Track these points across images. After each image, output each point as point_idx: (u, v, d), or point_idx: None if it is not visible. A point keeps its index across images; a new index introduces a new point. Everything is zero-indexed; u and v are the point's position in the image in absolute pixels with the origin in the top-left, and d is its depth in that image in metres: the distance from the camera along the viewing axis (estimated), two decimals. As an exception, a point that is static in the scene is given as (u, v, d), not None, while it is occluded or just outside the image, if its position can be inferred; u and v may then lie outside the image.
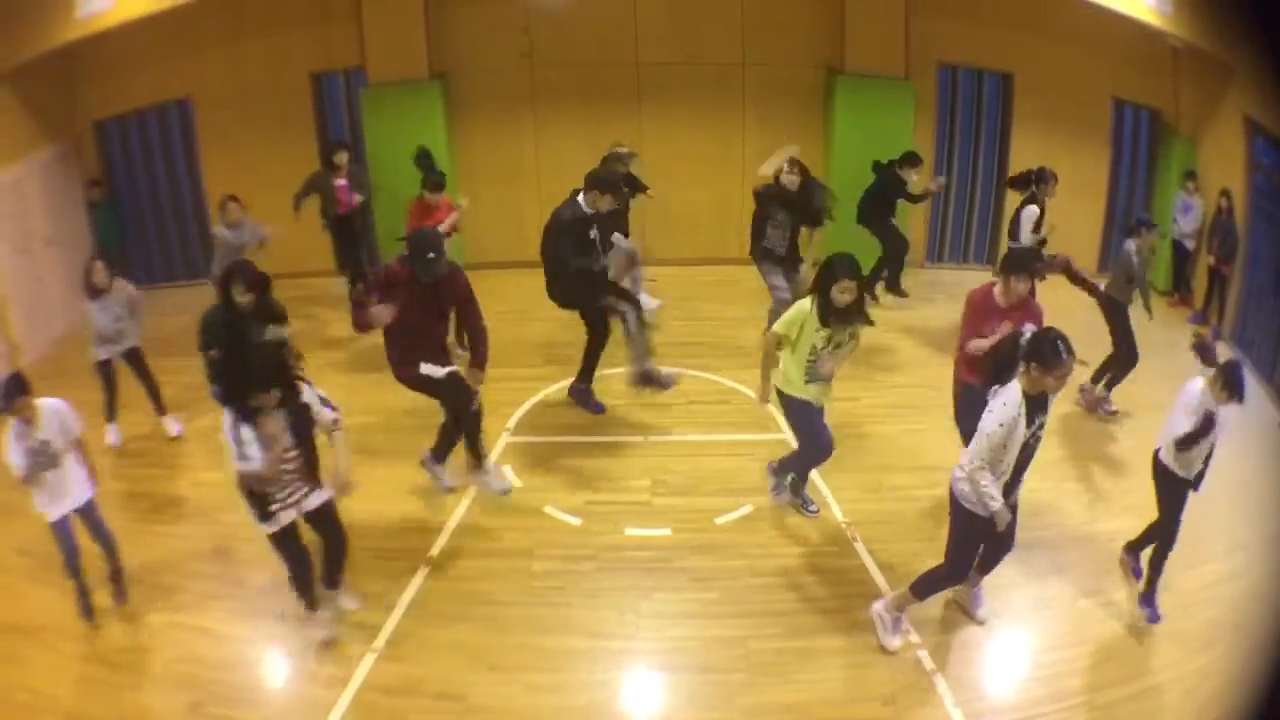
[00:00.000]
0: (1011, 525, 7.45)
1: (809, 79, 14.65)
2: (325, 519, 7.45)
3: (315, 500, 7.29)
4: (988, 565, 7.73)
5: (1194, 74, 13.62)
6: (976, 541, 7.34)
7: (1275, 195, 12.60)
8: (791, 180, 11.15)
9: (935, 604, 7.97)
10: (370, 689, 7.19)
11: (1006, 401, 6.78)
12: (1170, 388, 11.01)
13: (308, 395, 7.03)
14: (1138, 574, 8.17)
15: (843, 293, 7.86)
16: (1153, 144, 14.91)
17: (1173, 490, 7.76)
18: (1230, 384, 7.43)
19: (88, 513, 7.83)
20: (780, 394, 8.53)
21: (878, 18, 13.93)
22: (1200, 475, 7.66)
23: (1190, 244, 13.99)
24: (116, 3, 12.32)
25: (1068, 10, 12.94)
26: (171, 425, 10.89)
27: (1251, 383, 11.52)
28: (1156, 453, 7.84)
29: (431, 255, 8.23)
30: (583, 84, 14.55)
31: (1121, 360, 10.99)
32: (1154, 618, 7.89)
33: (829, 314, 7.96)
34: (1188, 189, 13.79)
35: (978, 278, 14.14)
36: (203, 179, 14.84)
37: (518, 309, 12.80)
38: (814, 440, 8.73)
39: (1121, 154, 15.07)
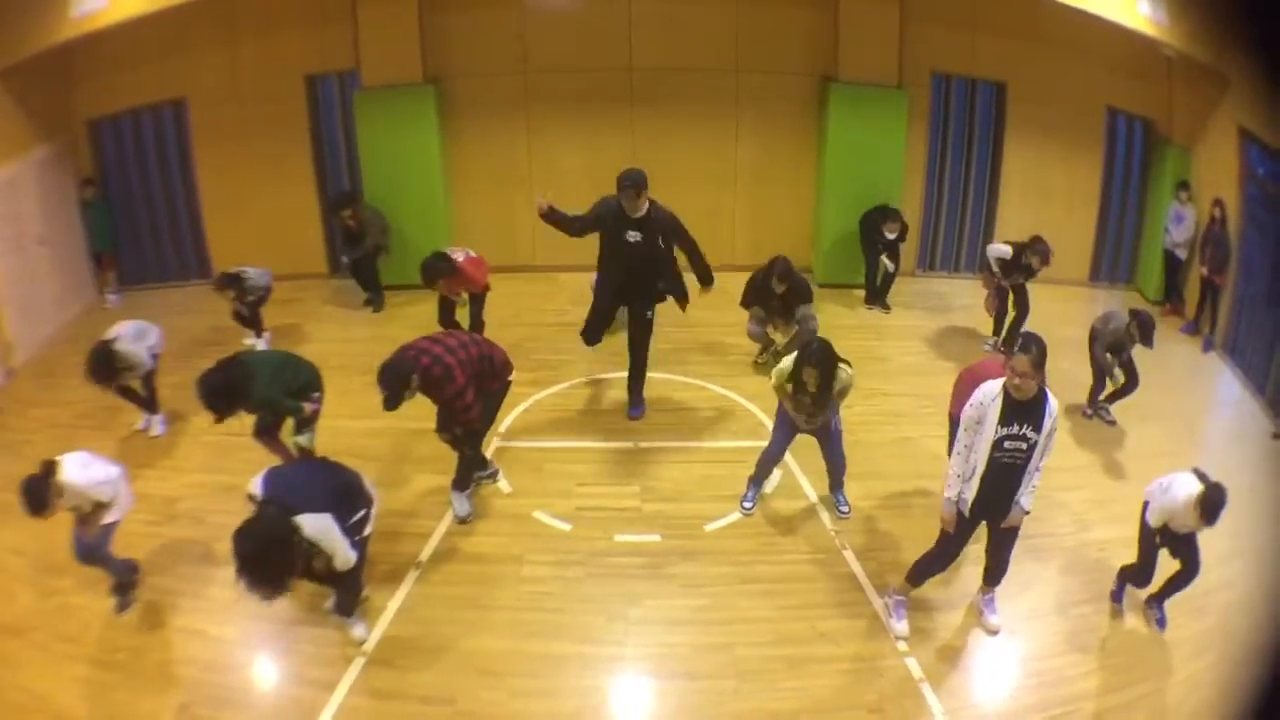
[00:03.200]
0: (1003, 545, 7.55)
1: (803, 86, 14.67)
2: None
3: None
4: (988, 576, 7.84)
5: (1188, 84, 13.67)
6: (962, 532, 7.45)
7: (1268, 205, 12.62)
8: (779, 285, 11.47)
9: (924, 613, 8.01)
10: (358, 692, 7.19)
11: (985, 389, 7.02)
12: (1163, 399, 11.12)
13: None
14: (1161, 624, 8.15)
15: (807, 379, 8.36)
16: (1146, 153, 14.95)
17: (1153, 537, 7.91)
18: (1207, 509, 7.37)
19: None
20: None
21: (872, 26, 13.95)
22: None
23: (1182, 254, 14.02)
24: (111, 2, 12.28)
25: (1062, 20, 12.95)
26: (156, 425, 10.92)
27: (1245, 395, 11.64)
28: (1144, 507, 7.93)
29: (385, 395, 8.11)
30: (576, 89, 14.56)
31: (1098, 383, 11.17)
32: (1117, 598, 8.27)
33: (801, 391, 8.51)
34: (1180, 198, 13.83)
35: (969, 287, 14.29)
36: (196, 180, 14.82)
37: (510, 314, 12.80)
38: (770, 443, 9.26)
39: (1115, 163, 15.09)
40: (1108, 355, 10.88)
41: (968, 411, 7.08)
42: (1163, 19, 12.11)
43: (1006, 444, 6.95)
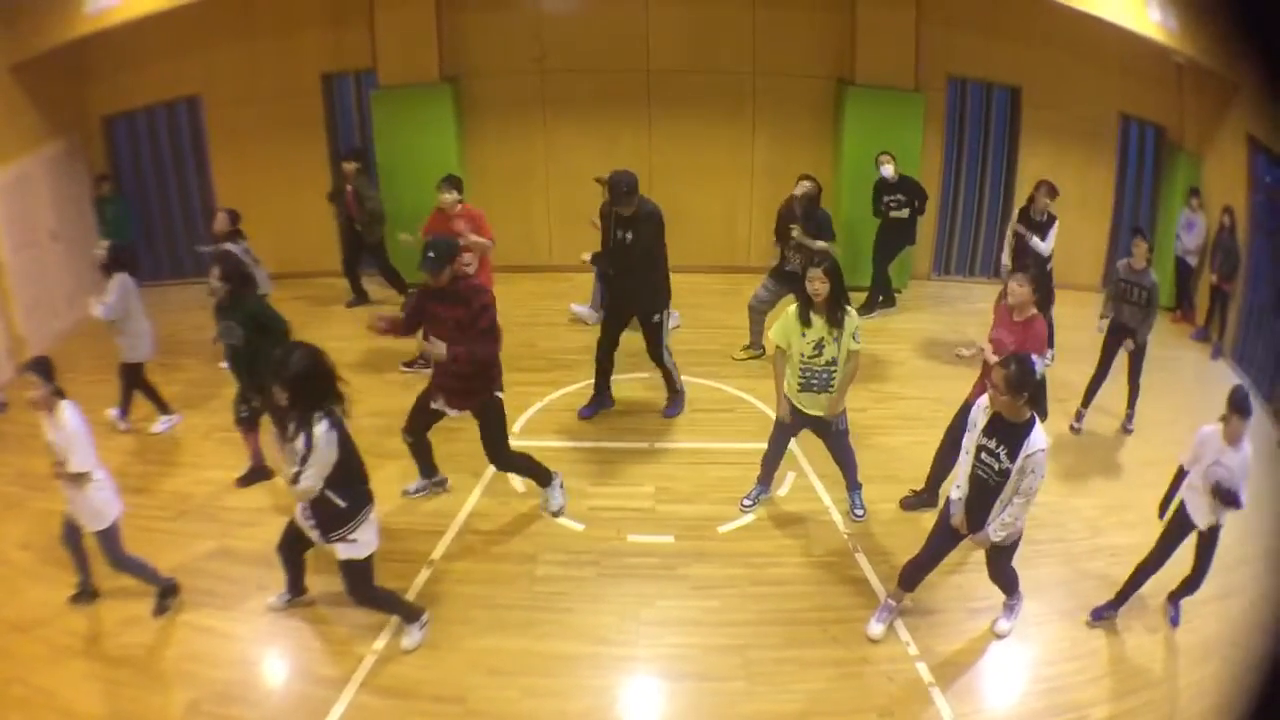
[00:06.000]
0: (996, 565, 7.57)
1: (819, 89, 14.69)
2: (344, 577, 7.29)
3: (321, 540, 7.11)
4: (999, 588, 7.85)
5: (1199, 91, 13.65)
6: (945, 545, 7.49)
7: (1277, 213, 12.62)
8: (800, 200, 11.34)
9: (935, 616, 8.01)
10: (369, 690, 7.19)
11: (977, 403, 7.07)
12: (1173, 404, 11.10)
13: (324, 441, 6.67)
14: (1175, 621, 8.15)
15: (812, 281, 8.19)
16: (1158, 160, 14.94)
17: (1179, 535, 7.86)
18: (1237, 406, 7.41)
19: (100, 540, 7.66)
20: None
21: (889, 30, 13.96)
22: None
23: (1193, 261, 14.01)
24: (124, -1, 12.36)
25: (1076, 25, 12.95)
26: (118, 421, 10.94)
27: (1252, 402, 11.60)
28: (1182, 505, 7.84)
29: (431, 254, 8.04)
30: (594, 90, 14.61)
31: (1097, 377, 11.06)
32: (1099, 615, 8.11)
33: (807, 308, 8.31)
34: (1191, 206, 13.82)
35: (984, 290, 14.27)
36: (211, 177, 14.88)
37: (526, 313, 12.80)
38: (770, 445, 9.24)
39: (1127, 169, 15.08)
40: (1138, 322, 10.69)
41: (972, 413, 7.11)
42: (1174, 26, 12.10)
43: (983, 455, 6.95)
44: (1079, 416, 11.13)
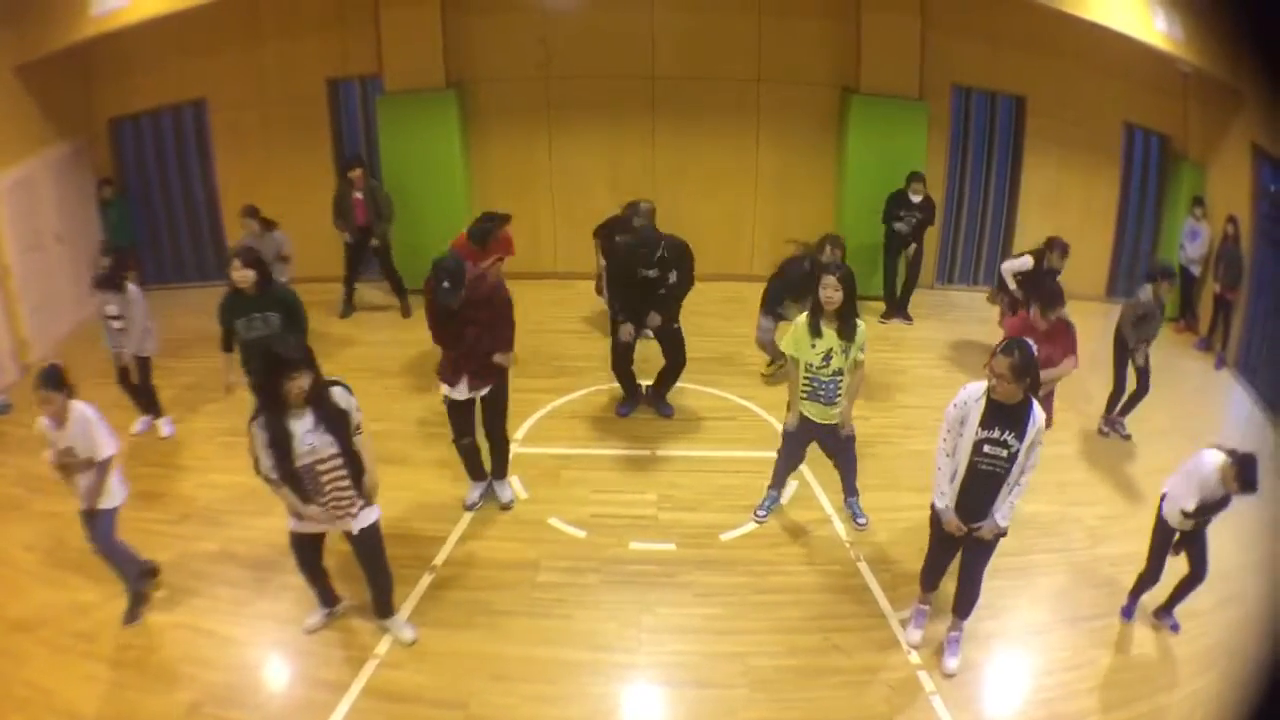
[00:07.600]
0: (975, 566, 7.43)
1: (824, 97, 14.70)
2: (366, 546, 7.29)
3: (359, 522, 7.10)
4: (957, 603, 7.64)
5: (1203, 100, 13.65)
6: (948, 547, 7.45)
7: (1281, 223, 12.65)
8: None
9: (936, 625, 7.98)
10: (370, 695, 7.19)
11: (969, 389, 6.93)
12: (1177, 413, 11.09)
13: (341, 397, 6.83)
14: (1175, 629, 8.15)
15: (825, 288, 8.15)
16: (1162, 169, 14.93)
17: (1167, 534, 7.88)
18: (1245, 479, 7.32)
19: (92, 522, 7.65)
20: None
21: (893, 38, 13.99)
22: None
23: (1196, 270, 14.01)
24: (132, 1, 12.35)
25: (1081, 34, 12.96)
26: (164, 426, 10.96)
27: (1256, 412, 11.60)
28: (1161, 501, 7.85)
29: (446, 284, 8.09)
30: (598, 96, 14.60)
31: (1117, 390, 11.07)
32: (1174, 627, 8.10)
33: (818, 318, 8.26)
34: (1195, 215, 13.82)
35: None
36: (216, 181, 14.90)
37: (531, 321, 12.79)
38: (782, 454, 9.25)
39: (1131, 178, 15.08)
40: (1138, 342, 10.78)
41: (950, 411, 6.99)
42: (1179, 35, 12.11)
43: (986, 449, 6.83)
44: (1116, 425, 11.21)
